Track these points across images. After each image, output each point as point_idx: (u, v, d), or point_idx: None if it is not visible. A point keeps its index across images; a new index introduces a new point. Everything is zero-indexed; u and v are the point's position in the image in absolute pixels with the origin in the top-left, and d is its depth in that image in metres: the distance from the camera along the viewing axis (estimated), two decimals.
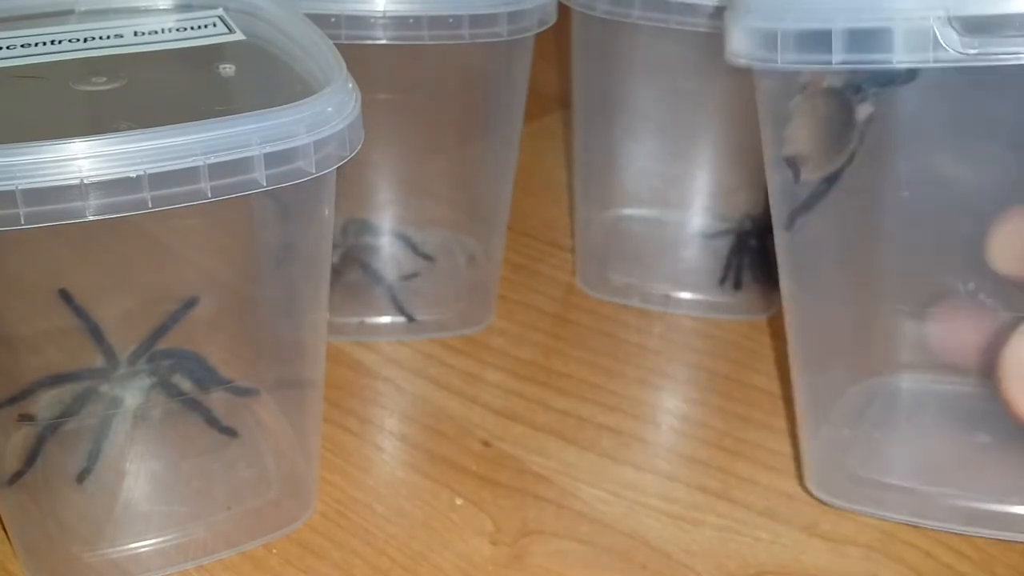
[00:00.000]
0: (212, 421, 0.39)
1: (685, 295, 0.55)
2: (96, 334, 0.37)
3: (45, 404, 0.37)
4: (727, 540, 0.41)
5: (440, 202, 0.54)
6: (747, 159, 0.53)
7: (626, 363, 0.51)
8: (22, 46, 0.37)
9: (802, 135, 0.36)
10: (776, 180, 0.37)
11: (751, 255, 0.55)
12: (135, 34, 0.39)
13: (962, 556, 0.40)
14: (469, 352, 0.52)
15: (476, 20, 0.43)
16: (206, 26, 0.39)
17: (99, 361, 0.37)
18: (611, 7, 0.46)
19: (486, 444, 0.46)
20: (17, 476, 0.37)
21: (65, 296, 0.36)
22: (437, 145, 0.52)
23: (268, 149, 0.31)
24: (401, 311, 0.52)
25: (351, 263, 0.52)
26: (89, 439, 0.38)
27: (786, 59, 0.32)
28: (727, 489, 0.44)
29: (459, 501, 0.43)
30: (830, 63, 0.31)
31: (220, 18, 0.40)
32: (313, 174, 0.32)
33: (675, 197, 0.56)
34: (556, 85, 0.75)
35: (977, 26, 0.29)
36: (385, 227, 0.53)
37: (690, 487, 0.44)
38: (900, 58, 0.30)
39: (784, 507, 0.43)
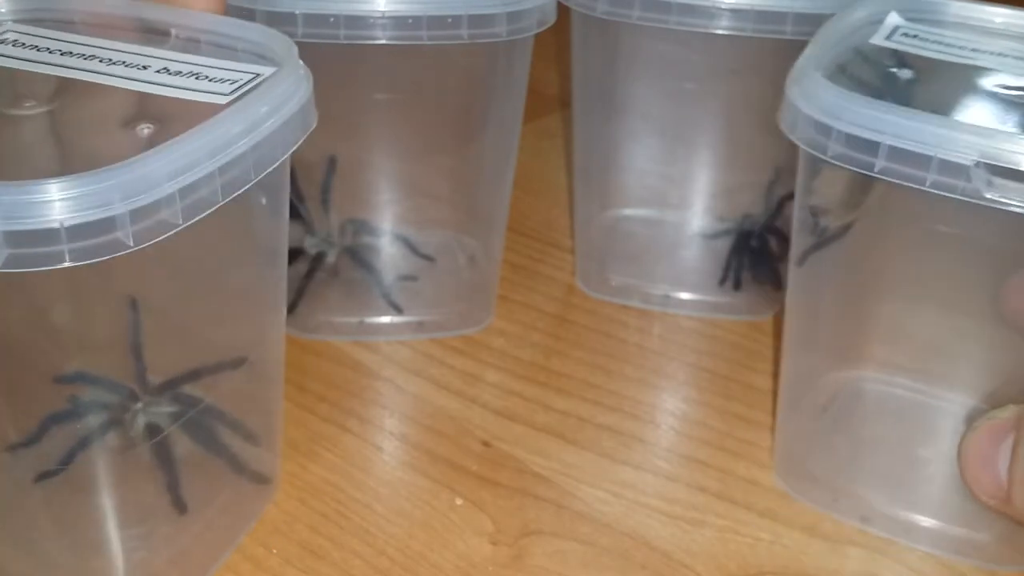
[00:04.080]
0: (173, 487, 0.37)
1: (685, 295, 0.55)
2: (136, 352, 0.36)
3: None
4: (727, 540, 0.41)
5: (440, 202, 0.54)
6: (747, 159, 0.53)
7: (626, 363, 0.51)
8: (61, 53, 0.36)
9: (828, 189, 0.39)
10: (799, 221, 0.39)
11: (751, 255, 0.54)
12: (159, 71, 0.35)
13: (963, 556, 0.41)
14: (469, 352, 0.52)
15: (475, 20, 0.43)
16: (224, 81, 0.35)
17: (125, 378, 0.37)
18: (611, 7, 0.46)
19: (486, 444, 0.46)
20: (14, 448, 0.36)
21: (134, 306, 0.35)
22: (437, 145, 0.52)
23: (76, 220, 0.28)
24: (391, 304, 0.52)
25: (348, 263, 0.52)
26: (70, 446, 0.37)
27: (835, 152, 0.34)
28: (727, 489, 0.44)
29: (459, 501, 0.43)
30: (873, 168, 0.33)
31: (256, 77, 0.35)
32: (131, 247, 0.29)
33: (675, 197, 0.56)
34: (556, 85, 0.75)
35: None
36: (384, 227, 0.53)
37: (690, 487, 0.44)
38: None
39: (785, 507, 0.43)
